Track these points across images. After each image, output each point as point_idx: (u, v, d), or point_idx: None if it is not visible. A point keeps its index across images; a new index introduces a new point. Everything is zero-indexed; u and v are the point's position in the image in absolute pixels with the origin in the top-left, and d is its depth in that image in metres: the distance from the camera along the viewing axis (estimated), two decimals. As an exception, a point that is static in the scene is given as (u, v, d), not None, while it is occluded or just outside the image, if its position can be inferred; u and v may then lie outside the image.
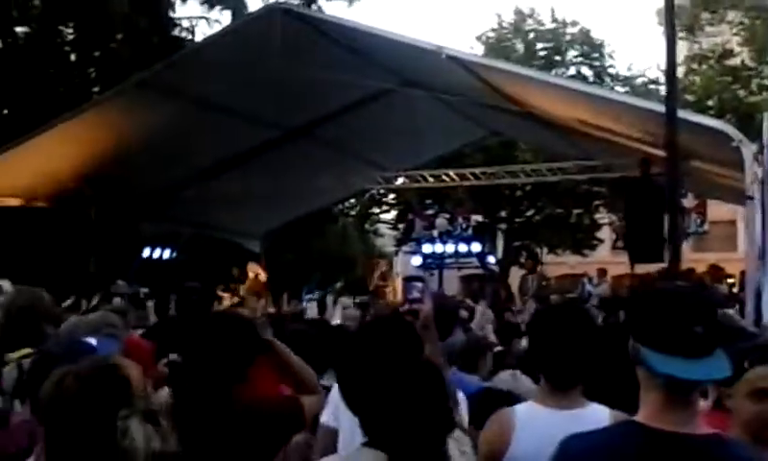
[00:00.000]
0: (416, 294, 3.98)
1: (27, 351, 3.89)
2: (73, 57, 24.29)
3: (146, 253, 19.13)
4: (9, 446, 3.11)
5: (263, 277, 18.10)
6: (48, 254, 17.70)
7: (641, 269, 16.75)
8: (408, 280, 4.16)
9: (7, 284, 7.52)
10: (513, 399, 4.49)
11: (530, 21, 33.18)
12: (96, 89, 21.81)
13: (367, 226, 36.53)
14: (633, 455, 2.32)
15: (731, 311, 8.62)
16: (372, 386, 2.76)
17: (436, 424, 2.60)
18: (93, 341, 2.67)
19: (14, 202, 15.24)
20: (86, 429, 2.04)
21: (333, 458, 3.21)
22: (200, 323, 3.54)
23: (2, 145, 14.06)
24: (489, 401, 3.98)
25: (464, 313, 10.97)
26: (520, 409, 3.48)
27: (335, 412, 3.93)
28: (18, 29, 23.15)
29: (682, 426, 2.31)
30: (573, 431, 2.48)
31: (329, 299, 17.91)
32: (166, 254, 20.16)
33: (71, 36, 24.43)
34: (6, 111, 22.28)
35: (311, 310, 16.61)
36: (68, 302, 9.21)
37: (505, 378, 5.49)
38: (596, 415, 3.24)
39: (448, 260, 25.06)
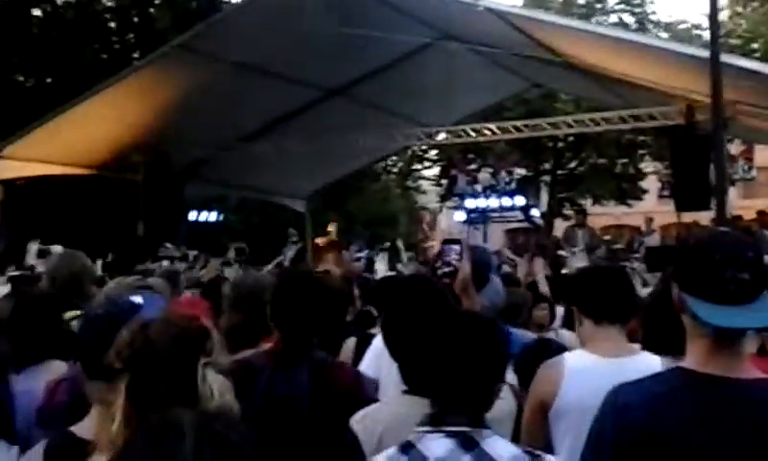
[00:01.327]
0: (453, 256, 4.01)
1: (75, 313, 3.97)
2: (112, 24, 24.44)
3: (192, 216, 19.35)
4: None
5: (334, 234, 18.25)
6: (96, 220, 17.98)
7: (688, 217, 16.61)
8: (446, 243, 4.19)
9: (59, 250, 7.68)
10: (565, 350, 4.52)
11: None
12: (136, 55, 21.94)
13: (409, 183, 36.47)
14: (682, 400, 2.32)
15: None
16: (415, 334, 2.79)
17: (485, 375, 2.61)
18: (139, 299, 2.71)
19: (61, 169, 15.42)
20: (170, 373, 2.17)
21: (373, 407, 3.25)
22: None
23: (46, 113, 14.22)
24: (541, 351, 4.01)
25: (507, 268, 10.96)
26: (569, 358, 3.51)
27: (377, 362, 3.98)
28: (58, -1, 23.33)
29: (730, 371, 2.30)
30: (621, 379, 2.48)
31: (379, 257, 17.96)
32: (212, 216, 20.39)
33: (110, 3, 24.58)
34: (49, 80, 22.52)
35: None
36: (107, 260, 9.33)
37: (553, 334, 5.53)
38: (646, 363, 3.24)
39: (492, 215, 25.05)
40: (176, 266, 10.74)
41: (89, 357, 2.55)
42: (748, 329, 2.39)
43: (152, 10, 24.10)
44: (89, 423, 2.54)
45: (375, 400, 3.43)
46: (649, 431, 2.30)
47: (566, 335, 5.45)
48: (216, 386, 2.17)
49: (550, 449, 3.28)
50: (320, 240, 17.68)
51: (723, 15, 22.49)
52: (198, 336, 2.27)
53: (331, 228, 18.26)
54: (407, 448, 2.49)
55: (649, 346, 3.50)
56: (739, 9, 30.00)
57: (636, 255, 16.37)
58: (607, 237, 20.41)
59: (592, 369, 3.35)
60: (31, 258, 9.37)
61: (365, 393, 3.52)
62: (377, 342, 4.04)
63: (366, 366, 4.14)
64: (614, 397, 2.42)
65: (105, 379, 2.35)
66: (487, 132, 17.96)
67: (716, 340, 2.31)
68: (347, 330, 5.41)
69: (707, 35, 9.81)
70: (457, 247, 4.21)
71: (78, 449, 2.42)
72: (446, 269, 4.20)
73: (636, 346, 3.56)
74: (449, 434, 2.47)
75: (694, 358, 2.36)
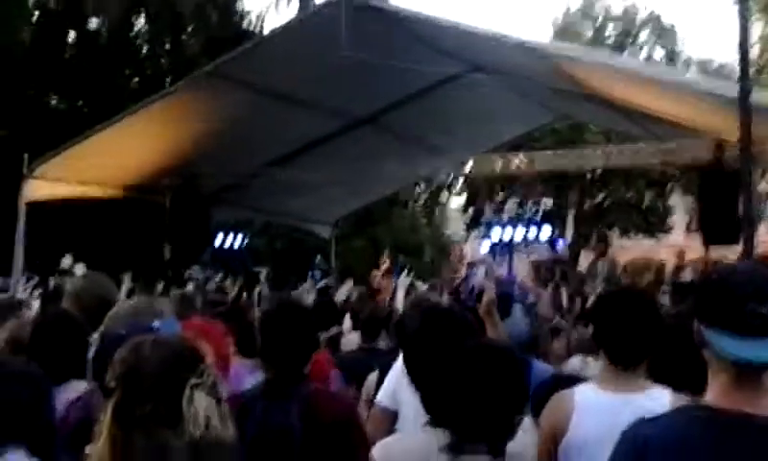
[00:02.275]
0: (478, 280, 4.01)
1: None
2: (145, 49, 24.71)
3: (218, 240, 19.43)
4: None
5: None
6: (123, 243, 18.11)
7: (715, 253, 16.47)
8: (470, 266, 4.21)
9: (81, 268, 7.75)
10: (579, 383, 4.49)
11: (598, 6, 32.75)
12: (167, 81, 22.17)
13: (436, 212, 36.48)
14: (701, 437, 2.30)
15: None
16: (437, 364, 2.79)
17: (504, 406, 2.61)
18: (157, 323, 2.76)
19: (89, 191, 15.56)
20: (157, 392, 2.18)
21: (393, 438, 3.25)
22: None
23: (77, 136, 14.36)
24: (555, 387, 3.99)
25: (531, 298, 10.93)
26: (580, 391, 3.49)
27: (395, 394, 3.97)
28: (92, 21, 23.61)
29: (751, 407, 2.29)
30: (632, 415, 2.48)
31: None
32: (238, 240, 20.47)
33: (143, 29, 24.86)
34: (80, 103, 22.78)
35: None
36: (127, 283, 9.40)
37: (574, 363, 5.47)
38: (657, 398, 3.23)
39: (518, 245, 24.94)
40: (192, 291, 10.78)
41: (104, 377, 2.59)
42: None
43: (184, 36, 24.35)
44: None
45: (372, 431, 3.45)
46: (668, 468, 2.28)
47: (595, 365, 5.40)
48: (203, 409, 2.18)
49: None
50: (377, 271, 17.85)
51: (754, 53, 22.41)
52: (188, 358, 2.29)
53: (385, 258, 18.47)
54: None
55: (662, 379, 3.48)
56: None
57: (664, 289, 16.23)
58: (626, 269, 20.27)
59: (602, 403, 3.34)
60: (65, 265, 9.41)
61: (359, 424, 3.51)
62: (394, 373, 4.05)
63: (381, 396, 4.14)
64: (634, 432, 2.40)
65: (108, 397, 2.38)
66: (516, 161, 17.95)
67: (738, 375, 2.30)
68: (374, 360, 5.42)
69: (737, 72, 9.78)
70: (482, 270, 4.23)
71: None
72: (471, 291, 4.21)
73: (648, 381, 3.53)
74: (468, 463, 2.47)
75: (715, 394, 2.35)
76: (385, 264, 18.33)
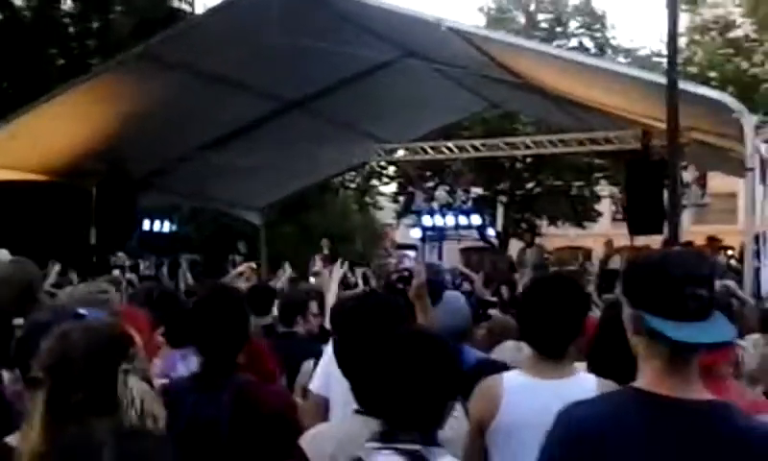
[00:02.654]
0: (407, 263, 4.00)
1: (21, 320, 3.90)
2: (72, 29, 24.18)
3: (146, 225, 19.17)
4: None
5: None
6: (48, 227, 17.72)
7: (641, 241, 16.76)
8: (400, 248, 4.19)
9: (5, 254, 7.55)
10: (505, 369, 4.52)
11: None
12: (95, 62, 21.72)
13: (367, 198, 36.50)
14: (635, 421, 2.32)
15: (731, 282, 8.61)
16: (366, 353, 2.76)
17: (436, 393, 2.59)
18: (84, 311, 2.68)
19: (14, 175, 15.21)
20: (89, 379, 2.13)
21: (324, 426, 3.21)
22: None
23: (1, 118, 14.02)
24: (481, 373, 3.99)
25: (466, 285, 10.97)
26: (508, 377, 3.50)
27: (327, 380, 3.94)
28: (17, 1, 23.02)
29: (683, 392, 2.31)
30: (560, 401, 2.48)
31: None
32: (166, 226, 20.23)
33: (70, 8, 24.33)
34: (5, 84, 22.21)
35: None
36: (56, 268, 9.20)
37: (508, 348, 5.49)
38: (582, 384, 3.26)
39: (448, 233, 25.11)
40: (119, 276, 10.60)
41: (27, 365, 2.50)
42: (704, 346, 2.37)
43: (113, 16, 23.88)
44: None
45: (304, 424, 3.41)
46: (600, 452, 2.29)
47: (528, 351, 5.41)
48: (137, 393, 2.14)
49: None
50: (319, 256, 17.88)
51: (681, 43, 22.81)
52: (118, 343, 2.25)
53: (324, 245, 18.53)
54: (357, 463, 2.46)
55: (595, 369, 3.51)
56: (697, 37, 30.45)
57: (590, 278, 16.46)
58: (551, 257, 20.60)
59: (530, 389, 3.35)
60: None
61: (293, 415, 3.45)
62: (325, 360, 4.02)
63: (315, 385, 4.10)
64: (567, 416, 2.40)
65: (34, 387, 2.31)
66: (445, 150, 18.04)
67: (670, 360, 2.31)
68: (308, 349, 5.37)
69: (665, 61, 9.93)
70: (412, 253, 4.21)
71: (4, 458, 2.37)
72: (399, 275, 4.18)
73: (578, 365, 3.56)
74: (400, 451, 2.44)
75: (648, 379, 2.35)
76: (324, 251, 18.38)
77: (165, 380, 3.82)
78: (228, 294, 3.87)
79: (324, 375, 3.99)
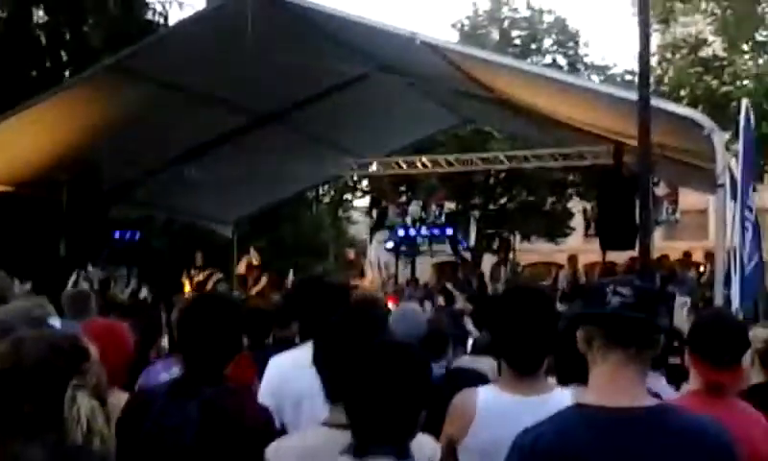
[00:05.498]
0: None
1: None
2: (44, 40, 24.00)
3: (117, 236, 19.02)
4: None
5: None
6: (18, 239, 17.54)
7: (613, 257, 16.84)
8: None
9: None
10: (475, 375, 4.50)
11: (505, 9, 33.18)
12: (67, 73, 21.57)
13: (340, 212, 36.44)
14: (583, 436, 2.37)
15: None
16: (345, 365, 2.73)
17: (408, 406, 2.58)
18: (57, 323, 2.64)
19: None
20: (36, 393, 2.06)
21: (288, 439, 3.18)
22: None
23: (-29, 128, 13.87)
24: (452, 382, 3.97)
25: (440, 300, 10.98)
26: (482, 394, 3.44)
27: (278, 389, 3.89)
28: (-12, 11, 22.85)
29: (628, 399, 2.39)
30: (534, 418, 2.50)
31: None
32: (136, 238, 20.06)
33: (42, 19, 24.16)
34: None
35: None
36: (27, 286, 9.12)
37: (465, 360, 5.49)
38: (558, 400, 3.22)
39: (421, 247, 25.12)
40: (86, 289, 10.53)
41: None
42: (644, 350, 2.46)
43: (85, 28, 23.74)
44: None
45: (281, 433, 3.36)
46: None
47: (485, 360, 5.39)
48: (85, 411, 2.06)
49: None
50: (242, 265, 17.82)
51: (653, 61, 23.00)
52: (70, 356, 2.17)
53: (253, 253, 18.44)
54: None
55: (562, 374, 3.51)
56: (668, 55, 30.67)
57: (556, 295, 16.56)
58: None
59: (504, 406, 3.30)
60: None
61: (267, 427, 3.35)
62: (276, 371, 4.01)
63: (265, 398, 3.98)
64: (522, 439, 2.45)
65: None
66: (419, 165, 18.06)
67: (613, 371, 2.42)
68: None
69: (637, 79, 9.99)
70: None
71: None
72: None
73: (551, 381, 3.54)
74: (374, 466, 2.42)
75: (594, 392, 2.45)
76: (252, 260, 18.38)
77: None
78: (220, 302, 3.73)
79: (274, 383, 3.97)
